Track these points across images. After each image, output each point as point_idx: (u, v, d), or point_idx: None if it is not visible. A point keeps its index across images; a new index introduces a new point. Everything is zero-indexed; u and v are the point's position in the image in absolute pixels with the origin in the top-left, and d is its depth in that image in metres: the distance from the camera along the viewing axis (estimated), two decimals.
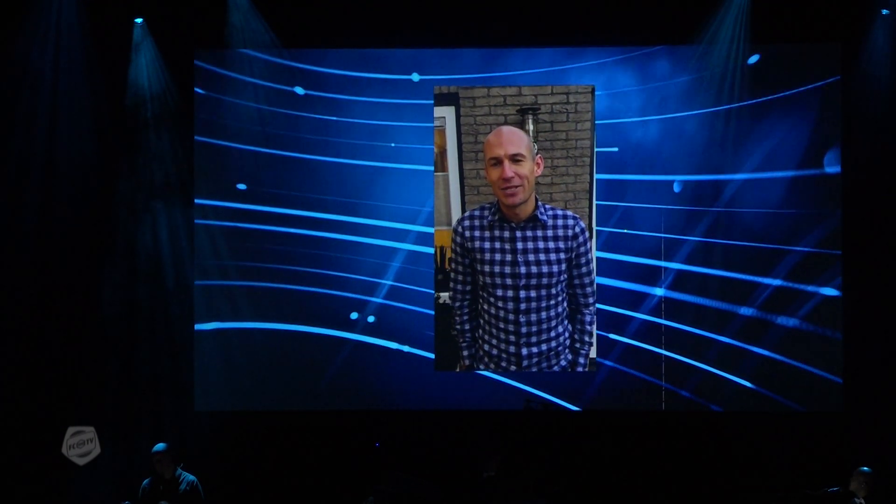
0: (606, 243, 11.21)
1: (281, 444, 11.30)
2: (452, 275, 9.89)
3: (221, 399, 11.36)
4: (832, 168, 11.17)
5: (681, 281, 11.25)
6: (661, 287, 11.25)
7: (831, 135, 11.18)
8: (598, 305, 11.12)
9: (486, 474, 10.46)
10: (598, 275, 11.08)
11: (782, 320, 11.21)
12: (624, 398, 11.26)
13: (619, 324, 11.25)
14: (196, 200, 11.41)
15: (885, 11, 11.08)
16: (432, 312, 11.21)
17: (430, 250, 11.25)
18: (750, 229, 11.23)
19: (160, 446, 10.33)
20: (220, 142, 11.41)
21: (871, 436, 10.94)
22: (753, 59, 11.09)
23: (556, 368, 10.43)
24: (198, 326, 11.37)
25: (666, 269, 11.25)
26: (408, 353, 11.32)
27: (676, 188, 11.24)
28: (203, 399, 11.38)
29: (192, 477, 10.34)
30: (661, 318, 11.25)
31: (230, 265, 11.40)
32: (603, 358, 11.21)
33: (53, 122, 11.17)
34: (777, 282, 11.21)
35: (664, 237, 11.26)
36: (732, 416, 11.21)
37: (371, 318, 11.35)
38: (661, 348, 11.24)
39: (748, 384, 11.21)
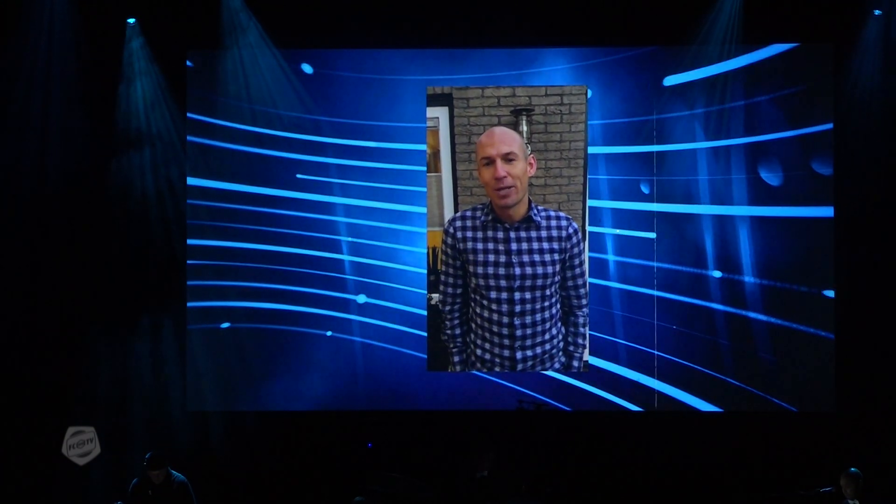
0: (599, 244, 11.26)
1: (273, 445, 11.30)
2: (443, 277, 9.80)
3: (213, 399, 11.36)
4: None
5: (675, 280, 11.26)
6: (653, 288, 11.27)
7: (822, 135, 11.19)
8: (593, 306, 11.14)
9: (479, 474, 10.47)
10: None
11: (775, 321, 11.21)
12: (617, 398, 11.27)
13: (613, 324, 11.26)
14: (188, 201, 11.42)
15: (877, 12, 11.09)
16: (425, 313, 11.21)
17: (423, 250, 11.25)
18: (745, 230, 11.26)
19: (154, 459, 9.92)
20: (213, 142, 11.42)
21: (864, 436, 10.95)
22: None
23: (549, 372, 10.40)
24: (190, 326, 11.36)
25: (658, 268, 11.26)
26: (400, 353, 11.31)
27: (644, 189, 11.23)
28: (195, 399, 11.37)
29: (182, 477, 10.27)
30: (654, 317, 11.27)
31: (224, 266, 11.41)
32: (596, 358, 11.22)
33: (45, 122, 11.15)
34: (771, 283, 11.21)
35: (653, 237, 11.29)
36: (725, 416, 11.21)
37: (363, 319, 11.35)
38: (653, 349, 11.25)
39: (741, 384, 11.21)
